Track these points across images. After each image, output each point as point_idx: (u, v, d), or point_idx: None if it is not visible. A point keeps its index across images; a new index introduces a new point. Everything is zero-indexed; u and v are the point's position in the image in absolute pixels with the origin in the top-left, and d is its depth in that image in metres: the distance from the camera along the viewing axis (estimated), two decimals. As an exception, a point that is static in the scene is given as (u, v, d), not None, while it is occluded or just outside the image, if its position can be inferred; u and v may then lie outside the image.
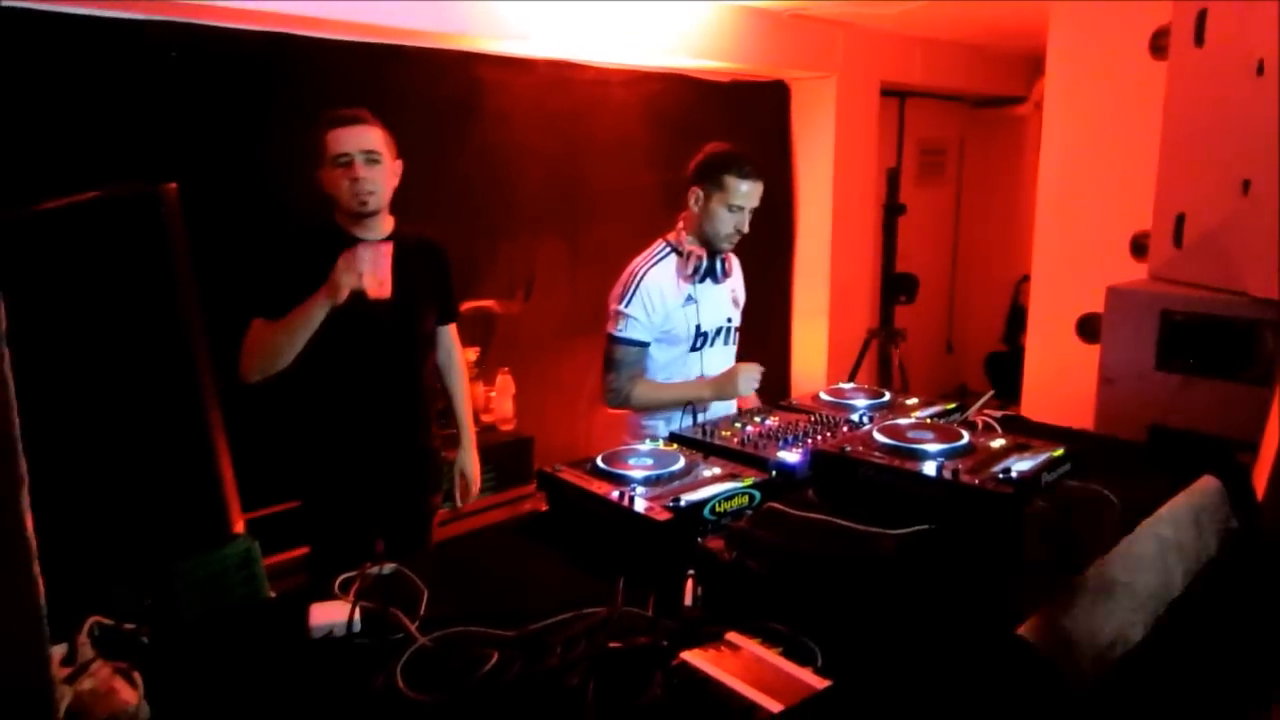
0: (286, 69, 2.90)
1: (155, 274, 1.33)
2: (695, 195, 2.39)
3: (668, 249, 2.44)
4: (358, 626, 1.32)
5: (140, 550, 1.38)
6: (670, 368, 2.44)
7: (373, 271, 2.06)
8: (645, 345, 2.38)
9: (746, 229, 2.40)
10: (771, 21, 4.16)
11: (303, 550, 2.46)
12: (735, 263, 2.61)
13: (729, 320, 2.55)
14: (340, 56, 3.04)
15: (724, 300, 2.53)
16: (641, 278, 2.38)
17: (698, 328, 2.43)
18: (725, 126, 4.26)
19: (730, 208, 2.35)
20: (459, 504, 2.68)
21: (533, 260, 3.80)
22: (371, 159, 2.16)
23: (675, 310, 2.39)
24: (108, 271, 1.30)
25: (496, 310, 3.60)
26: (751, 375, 2.33)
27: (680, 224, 2.45)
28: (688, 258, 2.38)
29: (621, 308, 2.37)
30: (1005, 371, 5.37)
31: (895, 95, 5.44)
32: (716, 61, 4.04)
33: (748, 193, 2.35)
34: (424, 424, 2.42)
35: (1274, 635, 1.53)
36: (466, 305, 3.50)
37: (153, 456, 1.37)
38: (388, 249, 2.09)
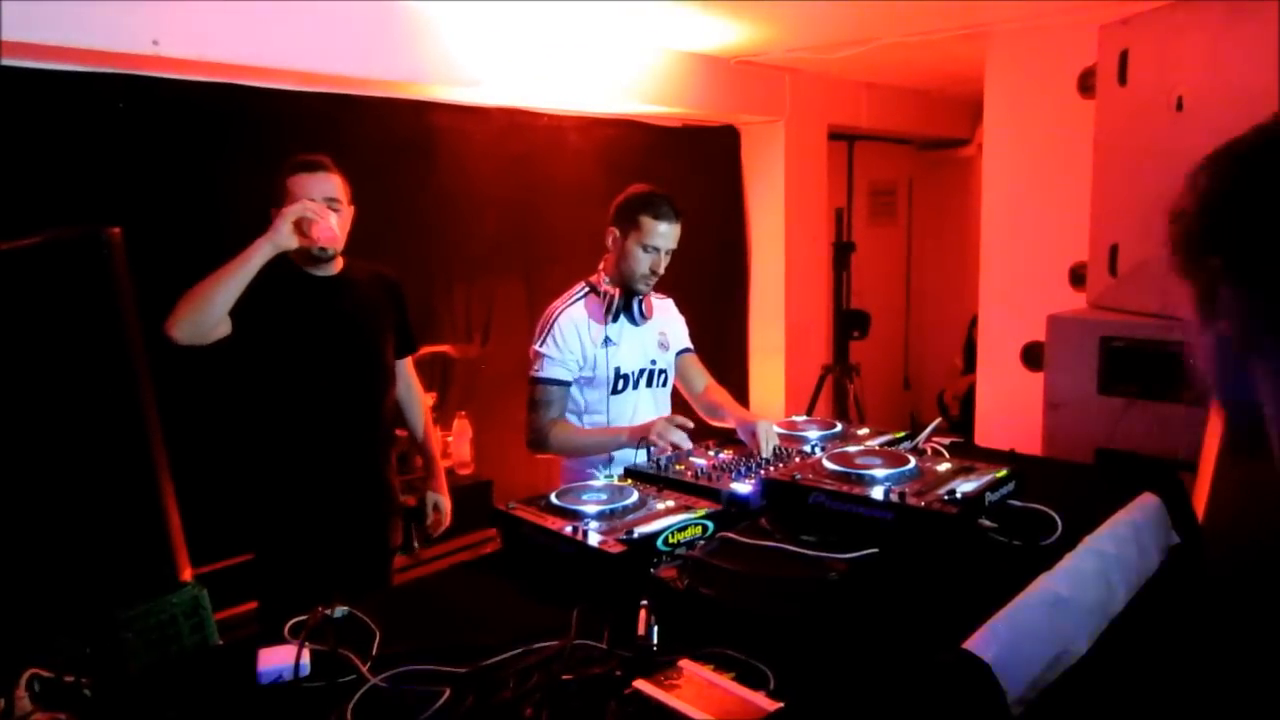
0: (242, 119, 2.91)
1: (100, 316, 1.33)
2: (612, 235, 2.38)
3: (586, 289, 2.43)
4: (307, 669, 1.30)
5: (84, 598, 1.35)
6: (594, 410, 2.41)
7: (318, 217, 2.09)
8: (565, 384, 2.36)
9: (662, 270, 2.38)
10: (719, 67, 4.27)
11: (254, 604, 2.41)
12: (664, 305, 2.59)
13: (653, 363, 2.49)
14: (295, 105, 3.07)
15: (647, 343, 2.48)
16: (556, 317, 2.37)
17: (617, 370, 2.39)
18: (677, 170, 4.35)
19: (645, 248, 2.32)
20: (416, 548, 2.64)
21: (490, 304, 3.82)
22: (331, 206, 2.19)
23: (593, 351, 2.36)
24: (53, 314, 1.30)
25: (454, 354, 3.60)
26: (671, 429, 2.18)
27: (602, 265, 2.44)
28: (603, 297, 2.37)
29: (537, 348, 2.36)
30: (965, 406, 5.45)
31: (844, 138, 5.58)
32: (667, 107, 4.13)
33: (664, 233, 2.32)
34: (384, 459, 2.41)
35: (1214, 646, 1.57)
36: (424, 349, 3.49)
37: (98, 501, 1.35)
38: (329, 210, 2.15)
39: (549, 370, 2.34)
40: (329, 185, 2.20)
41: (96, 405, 1.37)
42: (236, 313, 2.09)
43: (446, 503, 2.61)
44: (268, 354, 2.18)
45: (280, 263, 2.22)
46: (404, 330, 2.49)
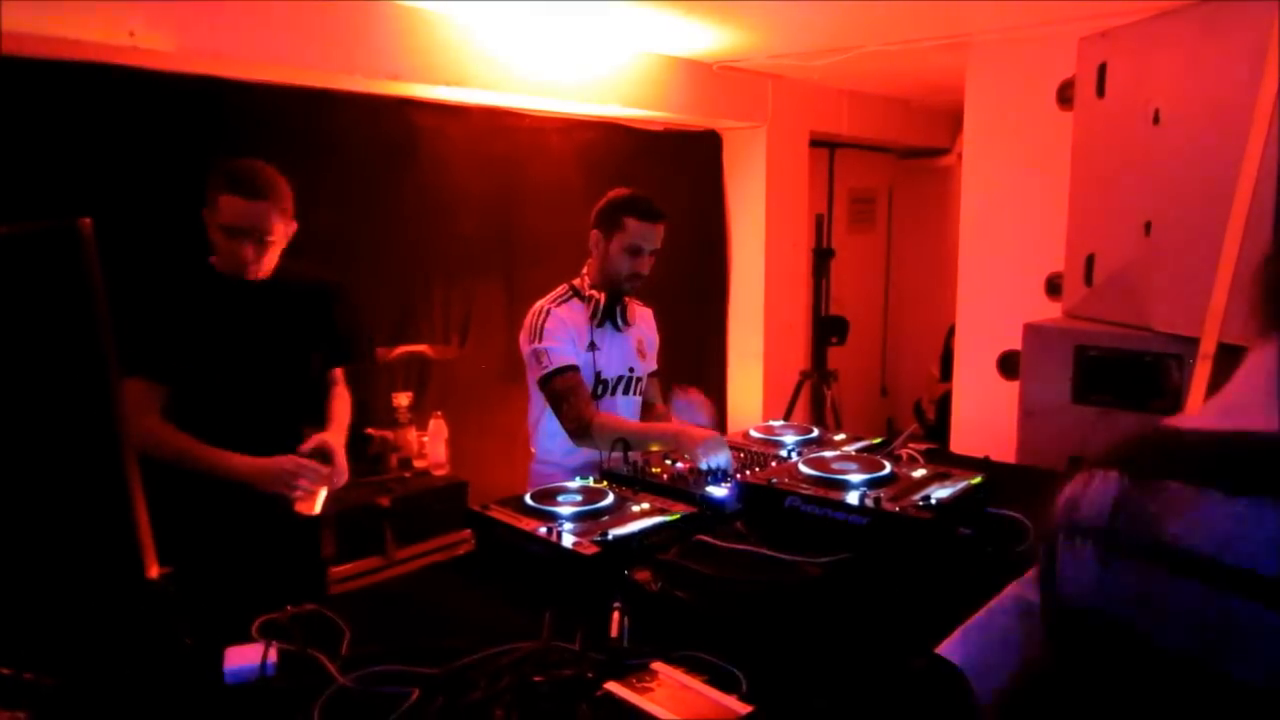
0: (219, 113, 2.87)
1: (71, 309, 1.30)
2: (596, 239, 2.37)
3: (570, 292, 2.41)
4: (273, 669, 1.28)
5: (47, 593, 1.32)
6: None
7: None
8: (578, 369, 2.30)
9: (646, 271, 2.37)
10: (702, 72, 4.28)
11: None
12: (644, 313, 2.58)
13: (631, 370, 2.48)
14: (273, 101, 3.03)
15: (627, 350, 2.47)
16: (547, 313, 2.33)
17: (598, 375, 2.38)
18: (658, 174, 4.35)
19: (629, 249, 2.32)
20: (316, 509, 2.35)
21: (468, 305, 3.80)
22: (256, 240, 2.03)
23: (578, 352, 2.34)
24: (22, 306, 1.27)
25: (431, 355, 3.58)
26: (718, 451, 2.08)
27: (585, 270, 2.43)
28: (588, 302, 2.35)
29: (537, 345, 2.30)
30: (941, 412, 5.49)
31: (825, 146, 5.61)
32: (649, 111, 4.12)
33: (647, 234, 2.32)
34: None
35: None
36: (401, 350, 3.47)
37: (66, 497, 1.33)
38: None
39: (559, 359, 2.27)
40: (251, 214, 2.01)
41: (65, 398, 1.34)
42: (153, 315, 2.00)
43: (339, 458, 2.10)
44: (180, 358, 2.04)
45: (205, 269, 2.12)
46: (335, 340, 2.33)
